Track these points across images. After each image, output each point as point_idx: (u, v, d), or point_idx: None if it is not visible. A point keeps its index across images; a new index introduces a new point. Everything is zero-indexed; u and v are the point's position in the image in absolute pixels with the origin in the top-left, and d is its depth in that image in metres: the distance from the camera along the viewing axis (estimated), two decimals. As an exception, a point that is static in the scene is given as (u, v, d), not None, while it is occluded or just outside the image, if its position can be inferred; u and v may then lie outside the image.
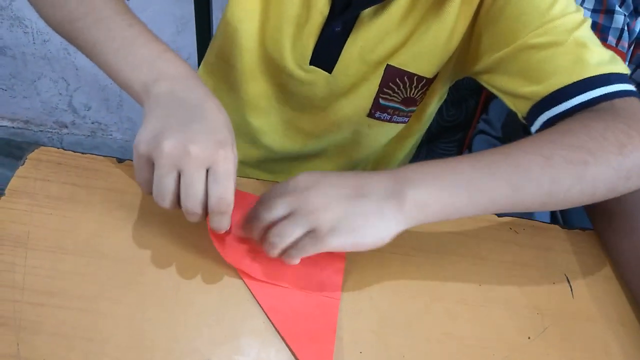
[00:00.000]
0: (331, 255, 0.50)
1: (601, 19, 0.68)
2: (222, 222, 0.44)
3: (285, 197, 0.44)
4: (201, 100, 0.45)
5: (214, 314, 0.46)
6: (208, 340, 0.45)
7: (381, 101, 0.63)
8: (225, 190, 0.42)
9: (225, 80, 0.70)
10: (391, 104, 0.63)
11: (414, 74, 0.60)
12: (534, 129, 0.56)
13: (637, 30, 0.71)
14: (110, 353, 0.43)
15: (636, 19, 0.70)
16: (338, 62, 0.60)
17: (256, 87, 0.67)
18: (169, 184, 0.42)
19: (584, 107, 0.51)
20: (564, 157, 0.46)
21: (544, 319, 0.51)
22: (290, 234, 0.43)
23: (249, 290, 0.48)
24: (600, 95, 0.51)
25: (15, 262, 0.47)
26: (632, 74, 0.75)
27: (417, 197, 0.43)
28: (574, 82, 0.51)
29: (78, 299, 0.45)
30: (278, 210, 0.44)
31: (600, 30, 0.68)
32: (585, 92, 0.51)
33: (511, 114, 0.98)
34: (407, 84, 0.61)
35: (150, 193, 0.44)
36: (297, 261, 0.45)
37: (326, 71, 0.61)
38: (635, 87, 0.76)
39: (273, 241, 0.44)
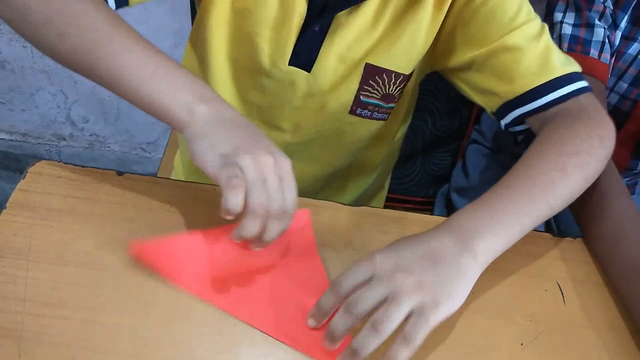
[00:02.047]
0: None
1: (582, 33, 0.70)
2: (283, 225, 0.47)
3: (375, 284, 0.44)
4: (247, 121, 0.49)
5: (213, 323, 0.47)
6: (209, 349, 0.46)
7: (362, 98, 0.66)
8: (295, 196, 0.47)
9: None
10: (371, 100, 0.67)
11: (392, 71, 0.64)
12: (504, 122, 0.64)
13: (617, 43, 0.72)
14: (111, 362, 0.44)
15: (615, 32, 0.72)
16: (317, 61, 0.63)
17: (228, 96, 0.69)
18: (262, 189, 0.45)
19: (554, 104, 0.59)
20: (573, 165, 0.54)
21: (537, 326, 0.52)
22: (398, 317, 0.42)
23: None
24: (567, 93, 0.59)
25: (17, 274, 0.48)
26: (613, 86, 0.77)
27: (485, 246, 0.48)
28: (544, 83, 0.59)
29: (79, 310, 0.46)
30: (374, 298, 0.43)
31: (582, 44, 0.70)
32: (554, 91, 0.59)
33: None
34: (386, 81, 0.65)
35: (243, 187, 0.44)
36: (411, 351, 0.43)
37: (305, 71, 0.64)
38: (619, 98, 0.78)
39: (381, 329, 0.42)
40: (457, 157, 1.07)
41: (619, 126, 0.81)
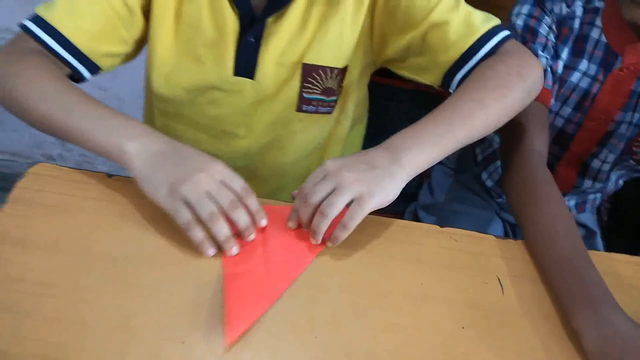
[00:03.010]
0: (303, 249, 0.60)
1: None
2: (254, 203, 0.59)
3: (325, 180, 0.58)
4: (171, 144, 0.59)
5: (189, 307, 0.54)
6: (185, 326, 0.52)
7: (304, 95, 0.75)
8: (242, 182, 0.58)
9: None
10: (313, 96, 0.76)
11: (327, 67, 0.74)
12: (451, 89, 0.72)
13: (559, 71, 0.82)
14: (99, 334, 0.50)
15: (557, 62, 0.81)
16: (257, 68, 0.72)
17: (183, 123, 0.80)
18: (209, 202, 0.55)
19: (485, 57, 0.69)
20: (490, 97, 0.65)
21: (477, 312, 0.59)
22: (340, 203, 0.56)
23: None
24: (494, 45, 0.69)
25: (15, 258, 0.54)
26: (558, 111, 0.86)
27: (410, 158, 0.60)
28: (473, 43, 0.69)
29: (69, 290, 0.52)
30: (324, 190, 0.58)
31: None
32: (482, 47, 0.69)
33: (464, 150, 1.09)
34: (323, 76, 0.74)
35: (193, 226, 0.55)
36: (345, 236, 0.58)
37: (249, 78, 0.73)
38: (564, 122, 0.87)
39: (326, 212, 0.57)
40: (423, 177, 1.16)
41: (565, 148, 0.90)
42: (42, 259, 0.54)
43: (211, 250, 0.57)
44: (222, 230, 0.56)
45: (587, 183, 0.92)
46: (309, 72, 0.73)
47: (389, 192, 0.58)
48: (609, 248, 0.99)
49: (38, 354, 0.48)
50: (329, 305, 0.56)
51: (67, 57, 0.67)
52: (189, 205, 0.55)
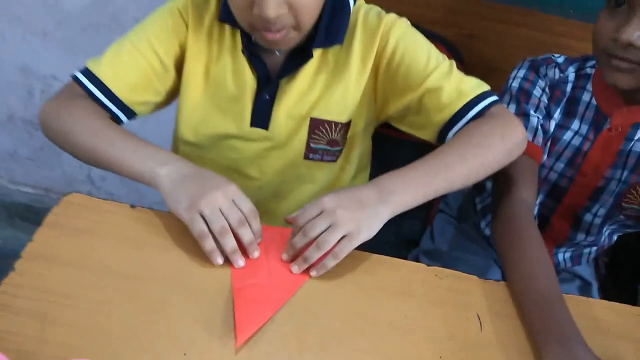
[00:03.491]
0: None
1: (520, 120, 0.86)
2: (257, 225, 0.68)
3: (322, 217, 0.66)
4: (196, 169, 0.70)
5: (194, 319, 0.60)
6: (187, 338, 0.58)
7: (312, 145, 0.85)
8: (250, 205, 0.68)
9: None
10: (319, 146, 0.86)
11: (332, 121, 0.83)
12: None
13: (552, 130, 0.89)
14: (110, 345, 0.56)
15: (549, 121, 0.88)
16: (271, 120, 0.83)
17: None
18: (221, 217, 0.65)
19: (474, 118, 0.77)
20: (472, 153, 0.73)
21: (455, 344, 0.64)
22: (334, 239, 0.65)
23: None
24: (482, 109, 0.77)
25: (43, 272, 0.62)
26: (552, 166, 0.92)
27: (396, 199, 0.68)
28: (463, 106, 0.77)
29: (91, 303, 0.60)
30: (321, 227, 0.65)
31: None
32: (471, 109, 0.77)
33: (465, 197, 1.15)
34: (329, 129, 0.84)
35: (205, 236, 0.65)
36: (333, 265, 0.66)
37: (264, 129, 0.83)
38: (557, 176, 0.92)
39: (321, 247, 0.65)
40: (426, 224, 1.21)
41: (558, 201, 0.95)
42: (66, 275, 0.62)
43: (220, 259, 0.65)
44: (230, 242, 0.65)
45: (580, 236, 0.97)
46: (316, 125, 0.83)
47: (374, 229, 0.67)
48: (607, 300, 1.02)
49: (58, 355, 0.55)
50: (318, 331, 0.62)
51: (108, 104, 0.79)
52: (203, 218, 0.64)
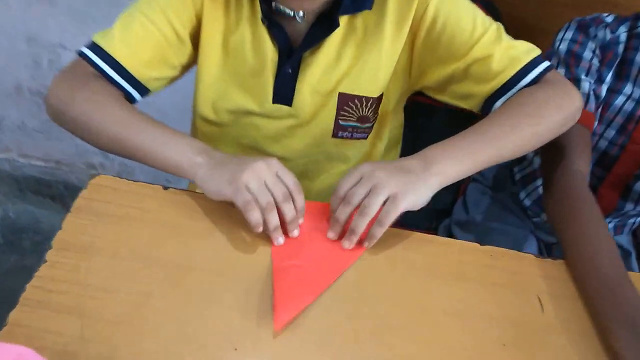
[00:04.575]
0: (345, 251, 0.64)
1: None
2: (301, 199, 0.64)
3: (362, 183, 0.62)
4: (230, 155, 0.65)
5: (239, 308, 0.56)
6: (237, 333, 0.54)
7: (340, 122, 0.79)
8: (294, 178, 0.64)
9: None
10: (349, 123, 0.79)
11: (362, 96, 0.77)
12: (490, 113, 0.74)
13: (603, 95, 0.83)
14: (157, 339, 0.53)
15: (601, 86, 0.82)
16: (295, 96, 0.76)
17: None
18: (266, 190, 0.61)
19: (526, 86, 0.72)
20: (525, 123, 0.68)
21: (517, 330, 0.60)
22: (378, 202, 0.61)
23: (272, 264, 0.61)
24: (535, 76, 0.72)
25: (80, 264, 0.58)
26: (602, 133, 0.87)
27: (441, 169, 0.64)
28: (515, 74, 0.71)
29: (131, 295, 0.56)
30: (361, 192, 0.62)
31: None
32: (525, 77, 0.71)
33: (503, 168, 1.10)
34: (359, 105, 0.78)
35: (252, 208, 0.60)
36: (381, 233, 0.62)
37: (287, 105, 0.77)
38: (607, 144, 0.87)
39: (366, 212, 0.61)
40: (457, 195, 1.17)
41: (608, 170, 0.91)
42: (104, 265, 0.58)
43: (261, 228, 0.61)
44: (275, 219, 0.61)
45: (629, 206, 0.92)
46: (345, 101, 0.77)
47: (420, 195, 0.62)
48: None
49: (101, 354, 0.51)
50: (371, 318, 0.58)
51: (121, 82, 0.72)
52: (248, 191, 0.60)
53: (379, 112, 0.81)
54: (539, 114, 0.69)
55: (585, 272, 0.65)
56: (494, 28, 0.73)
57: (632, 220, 0.99)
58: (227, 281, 0.59)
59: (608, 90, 0.83)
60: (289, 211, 0.62)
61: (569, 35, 0.83)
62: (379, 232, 0.62)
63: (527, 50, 0.73)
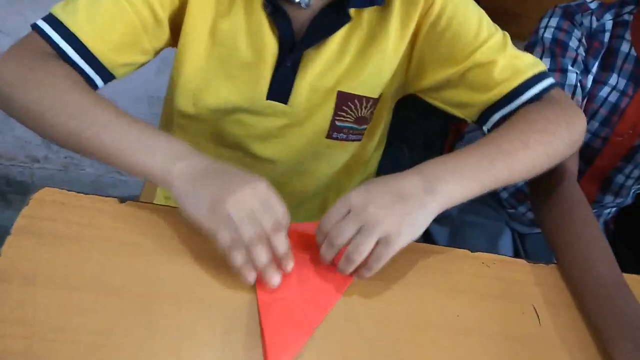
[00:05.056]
0: (337, 278, 0.56)
1: (557, 77, 0.76)
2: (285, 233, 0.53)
3: (350, 219, 0.53)
4: (216, 164, 0.54)
5: (217, 346, 0.50)
6: (213, 371, 0.48)
7: (337, 123, 0.72)
8: (284, 209, 0.53)
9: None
10: (346, 124, 0.72)
11: (363, 96, 0.70)
12: (486, 127, 0.70)
13: (589, 86, 0.79)
14: (121, 385, 0.46)
15: (587, 76, 0.78)
16: (292, 93, 0.68)
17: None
18: (251, 223, 0.50)
19: (528, 102, 0.65)
20: (536, 140, 0.61)
21: (514, 345, 0.56)
22: (366, 247, 0.52)
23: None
24: (540, 91, 0.66)
25: (24, 299, 0.49)
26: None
27: (445, 191, 0.55)
28: (517, 86, 0.65)
29: (88, 334, 0.48)
30: (349, 231, 0.52)
31: None
32: (527, 90, 0.65)
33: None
34: (358, 105, 0.71)
35: (233, 246, 0.51)
36: (372, 273, 0.54)
37: (282, 103, 0.69)
38: (591, 136, 0.84)
39: (353, 258, 0.52)
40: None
41: (589, 163, 0.88)
42: (54, 298, 0.50)
43: (252, 276, 0.52)
44: (264, 254, 0.51)
45: (608, 198, 0.91)
46: (344, 100, 0.69)
47: (419, 227, 0.53)
48: (617, 257, 0.98)
49: (56, 408, 0.44)
50: (365, 342, 0.53)
51: (83, 65, 0.61)
52: (230, 224, 0.50)
53: (374, 112, 0.74)
54: (551, 132, 0.62)
55: (580, 278, 0.62)
56: (500, 35, 0.67)
57: (607, 211, 0.98)
58: (202, 313, 0.52)
59: (593, 81, 0.80)
60: (281, 244, 0.52)
61: (553, 22, 0.79)
62: (367, 275, 0.54)
63: (532, 64, 0.67)
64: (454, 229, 1.02)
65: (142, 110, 1.43)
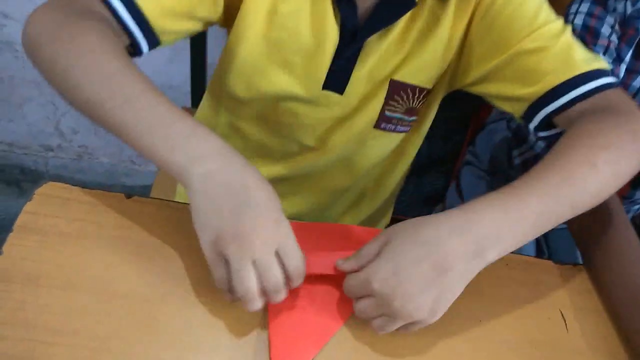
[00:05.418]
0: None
1: None
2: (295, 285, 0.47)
3: (376, 304, 0.46)
4: (243, 178, 0.46)
5: (224, 353, 0.47)
6: (220, 379, 0.46)
7: (387, 113, 0.67)
8: (298, 262, 0.46)
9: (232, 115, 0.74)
10: (396, 114, 0.68)
11: (416, 86, 0.65)
12: (532, 125, 0.62)
13: (622, 75, 0.75)
14: (125, 392, 0.43)
15: (619, 66, 0.74)
16: (349, 84, 0.64)
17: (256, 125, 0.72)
18: (249, 276, 0.44)
19: (578, 100, 0.57)
20: (605, 160, 0.51)
21: (540, 354, 0.53)
22: (390, 329, 0.47)
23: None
24: (593, 89, 0.57)
25: (26, 299, 0.47)
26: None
27: (498, 251, 0.47)
28: (567, 79, 0.57)
29: (91, 339, 0.46)
30: (372, 313, 0.47)
31: None
32: (578, 87, 0.57)
33: (498, 148, 1.02)
34: (410, 96, 0.66)
35: (228, 288, 0.46)
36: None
37: (338, 93, 0.65)
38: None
39: (376, 330, 0.48)
40: (449, 180, 1.09)
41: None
42: (58, 300, 0.48)
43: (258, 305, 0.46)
44: (254, 307, 0.46)
45: (639, 194, 0.86)
46: (397, 89, 0.65)
47: (447, 304, 0.47)
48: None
49: (57, 416, 0.42)
50: (378, 349, 0.50)
51: (133, 29, 0.55)
52: (227, 270, 0.45)
53: (425, 104, 0.69)
54: (615, 146, 0.52)
55: (612, 281, 0.58)
56: (560, 23, 0.60)
57: (637, 207, 0.93)
58: (210, 318, 0.49)
59: (626, 70, 0.75)
60: (278, 299, 0.47)
61: (584, 8, 0.74)
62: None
63: (590, 58, 0.59)
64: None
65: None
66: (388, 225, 0.92)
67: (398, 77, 0.64)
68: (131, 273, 0.51)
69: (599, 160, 0.50)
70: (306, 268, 0.47)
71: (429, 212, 1.10)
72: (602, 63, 0.59)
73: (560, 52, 0.58)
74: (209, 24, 0.64)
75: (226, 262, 0.44)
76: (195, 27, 0.61)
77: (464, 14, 0.61)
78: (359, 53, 0.62)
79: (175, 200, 0.77)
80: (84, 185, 0.50)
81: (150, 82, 0.49)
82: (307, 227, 0.58)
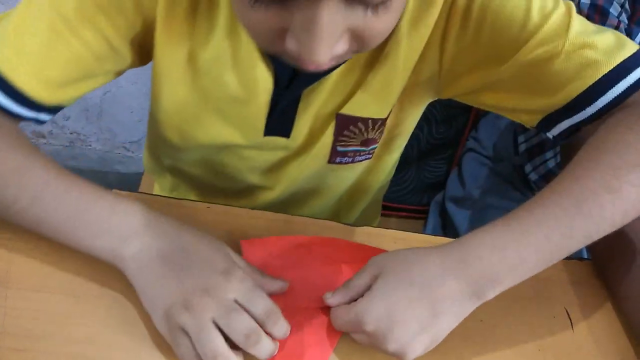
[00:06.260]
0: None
1: None
2: (282, 328, 0.44)
3: (370, 342, 0.44)
4: (177, 243, 0.44)
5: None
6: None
7: (339, 148, 0.60)
8: (264, 304, 0.43)
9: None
10: (350, 148, 0.61)
11: (368, 118, 0.58)
12: (551, 134, 0.55)
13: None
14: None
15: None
16: (294, 127, 0.58)
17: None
18: (211, 337, 0.41)
19: (611, 107, 0.49)
20: (631, 183, 0.43)
21: (545, 356, 0.50)
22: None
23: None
24: (623, 91, 0.48)
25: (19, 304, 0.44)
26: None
27: (497, 292, 0.44)
28: (590, 86, 0.49)
29: (66, 344, 0.43)
30: (366, 344, 0.45)
31: None
32: (606, 91, 0.48)
33: (503, 133, 0.98)
34: (363, 128, 0.59)
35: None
36: None
37: (284, 137, 0.59)
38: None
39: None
40: (452, 165, 1.06)
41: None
42: (28, 303, 0.45)
43: None
44: None
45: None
46: (346, 124, 0.58)
47: (445, 333, 0.44)
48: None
49: None
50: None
51: (22, 112, 0.50)
52: (188, 339, 0.41)
53: (387, 126, 0.61)
54: None
55: (621, 278, 0.55)
56: (560, 12, 0.49)
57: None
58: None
59: (637, 52, 0.71)
60: (262, 353, 0.42)
61: (592, -15, 0.70)
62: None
63: (610, 48, 0.48)
64: (475, 212, 0.95)
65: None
66: (379, 223, 0.89)
67: (346, 110, 0.56)
68: (107, 272, 0.47)
69: (623, 184, 0.43)
70: (291, 301, 0.46)
71: (430, 200, 1.08)
72: (627, 47, 0.49)
73: (574, 53, 0.48)
74: (120, 73, 0.56)
75: (186, 334, 0.41)
76: (103, 80, 0.55)
77: (420, 25, 0.51)
78: (300, 97, 0.55)
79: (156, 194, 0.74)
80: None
81: (55, 165, 0.46)
82: (307, 240, 0.54)
